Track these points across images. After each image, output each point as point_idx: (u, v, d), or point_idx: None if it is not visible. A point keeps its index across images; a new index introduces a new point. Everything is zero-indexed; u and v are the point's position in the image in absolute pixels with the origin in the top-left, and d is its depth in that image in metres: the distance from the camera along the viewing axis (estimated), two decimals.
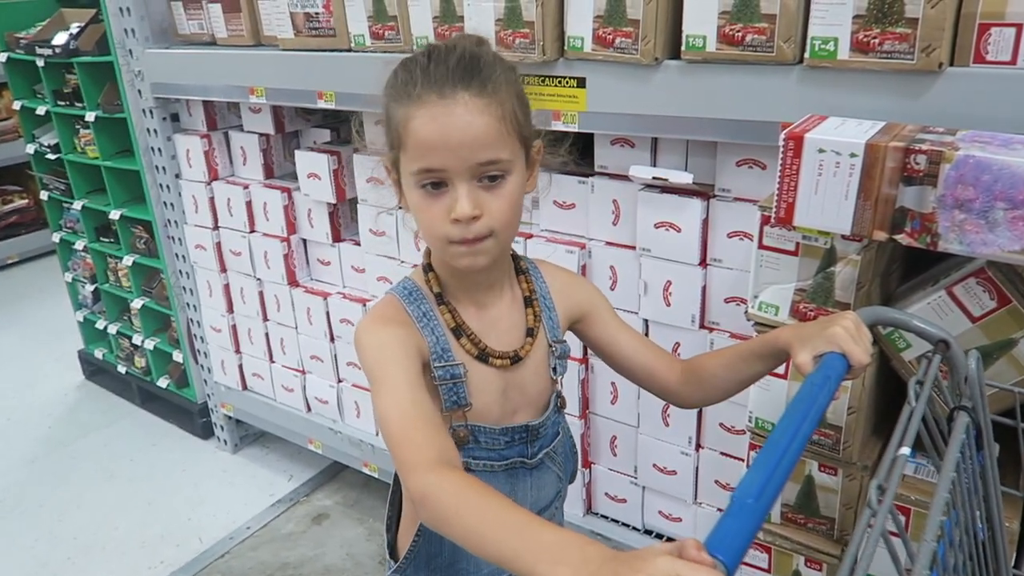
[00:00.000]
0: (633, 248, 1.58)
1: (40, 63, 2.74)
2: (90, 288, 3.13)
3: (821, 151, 1.06)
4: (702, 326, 1.56)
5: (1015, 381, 1.11)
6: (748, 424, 1.33)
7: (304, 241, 2.27)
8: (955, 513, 0.71)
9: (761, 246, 1.24)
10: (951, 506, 0.73)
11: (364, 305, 2.12)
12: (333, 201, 2.09)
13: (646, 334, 1.64)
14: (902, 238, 1.04)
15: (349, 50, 1.79)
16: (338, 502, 2.45)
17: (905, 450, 0.66)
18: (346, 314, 2.17)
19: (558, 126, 1.51)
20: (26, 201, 4.74)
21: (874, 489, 0.59)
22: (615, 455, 1.79)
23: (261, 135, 2.25)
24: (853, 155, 1.04)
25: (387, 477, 2.24)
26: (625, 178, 1.56)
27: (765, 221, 1.22)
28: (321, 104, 1.86)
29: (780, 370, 1.25)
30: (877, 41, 1.13)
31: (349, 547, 2.25)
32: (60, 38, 2.63)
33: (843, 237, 1.14)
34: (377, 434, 2.25)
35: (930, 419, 0.82)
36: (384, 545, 1.19)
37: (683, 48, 1.31)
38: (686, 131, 1.37)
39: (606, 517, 1.86)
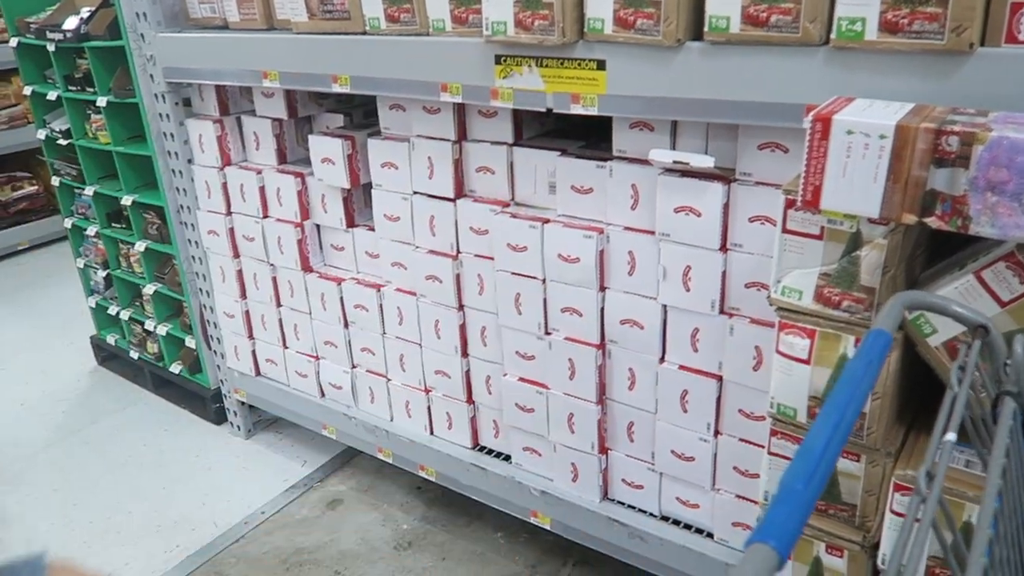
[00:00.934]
0: (652, 233, 1.57)
1: (51, 48, 2.73)
2: (102, 274, 3.13)
3: (849, 133, 1.05)
4: (722, 311, 1.55)
5: None
6: (769, 410, 1.32)
7: (318, 227, 2.26)
8: (1000, 500, 0.70)
9: (785, 230, 1.22)
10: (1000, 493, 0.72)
11: (378, 291, 2.11)
12: (347, 186, 2.07)
13: (665, 320, 1.63)
14: (932, 221, 1.03)
15: (364, 33, 1.77)
16: (352, 487, 2.45)
17: (951, 436, 0.65)
18: (360, 300, 2.16)
19: (577, 109, 1.49)
20: (35, 187, 4.74)
21: (923, 476, 0.58)
22: (632, 441, 1.78)
23: (274, 120, 2.24)
24: (883, 137, 1.02)
25: (402, 463, 2.24)
26: (644, 162, 1.54)
27: (789, 205, 1.20)
28: (336, 88, 1.85)
29: (803, 355, 1.24)
30: (906, 21, 1.11)
31: (364, 532, 2.25)
32: (71, 22, 2.62)
33: (870, 221, 1.12)
34: (392, 419, 2.25)
35: (974, 405, 0.81)
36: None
37: (706, 29, 1.29)
38: (708, 114, 1.36)
39: (623, 503, 1.86)
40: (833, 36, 1.18)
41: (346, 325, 2.24)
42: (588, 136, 1.82)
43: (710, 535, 1.74)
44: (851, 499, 1.30)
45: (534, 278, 1.75)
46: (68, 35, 2.61)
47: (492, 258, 1.82)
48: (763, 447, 1.42)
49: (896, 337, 1.20)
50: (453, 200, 1.86)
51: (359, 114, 2.26)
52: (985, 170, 0.98)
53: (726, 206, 1.47)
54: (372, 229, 2.11)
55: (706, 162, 1.44)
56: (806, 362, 1.26)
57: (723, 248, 1.50)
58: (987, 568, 0.68)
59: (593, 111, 1.49)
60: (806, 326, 1.24)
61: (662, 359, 1.66)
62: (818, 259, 1.21)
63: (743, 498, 1.64)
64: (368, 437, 2.29)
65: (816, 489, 0.59)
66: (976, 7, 1.06)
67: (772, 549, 0.53)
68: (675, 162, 1.47)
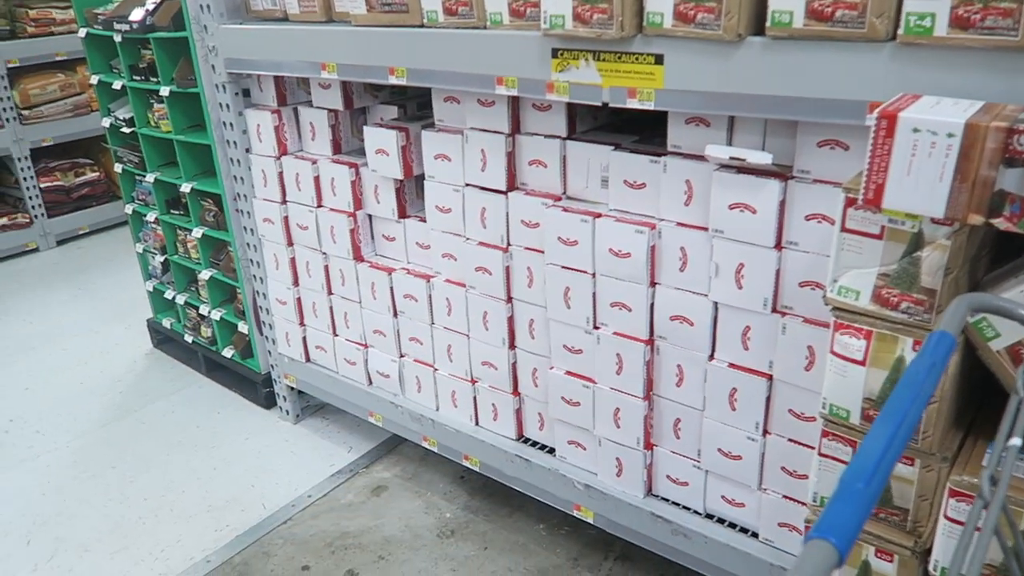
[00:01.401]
0: (705, 229, 1.56)
1: (117, 38, 2.81)
2: (160, 259, 3.22)
3: (916, 131, 1.03)
4: (774, 310, 1.53)
5: None
6: (822, 411, 1.31)
7: (370, 216, 2.29)
8: None
9: (844, 229, 1.21)
10: None
11: (428, 281, 2.14)
12: (400, 177, 2.10)
13: (715, 317, 1.62)
14: (1000, 222, 1.01)
15: (421, 26, 1.79)
16: (397, 474, 2.49)
17: (1017, 441, 0.64)
18: (410, 290, 2.19)
19: (633, 104, 1.49)
20: (97, 174, 4.89)
21: (986, 480, 0.57)
22: (678, 438, 1.77)
23: (330, 111, 2.28)
24: (951, 135, 1.00)
25: (446, 452, 2.26)
26: (699, 158, 1.54)
27: (850, 203, 1.19)
28: (393, 80, 1.87)
29: (859, 356, 1.23)
30: (978, 17, 1.09)
31: (407, 519, 2.29)
32: (137, 14, 2.70)
33: (933, 221, 1.10)
34: (437, 409, 2.28)
35: None
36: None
37: (768, 24, 1.28)
38: (768, 110, 1.34)
39: (667, 500, 1.85)
40: (901, 32, 1.16)
41: (395, 314, 2.27)
42: (642, 131, 1.81)
43: (755, 534, 1.72)
44: (903, 503, 1.28)
45: (584, 272, 1.76)
46: (134, 26, 2.68)
47: (542, 251, 1.83)
48: (813, 448, 1.41)
49: (959, 340, 1.17)
50: (505, 193, 1.88)
51: (413, 106, 2.28)
52: None
53: (782, 203, 1.46)
54: (423, 220, 2.13)
55: (764, 159, 1.42)
56: (861, 363, 1.24)
57: (778, 246, 1.49)
58: None
59: (650, 106, 1.48)
60: (862, 327, 1.22)
61: (712, 356, 1.65)
62: (877, 259, 1.19)
63: (790, 499, 1.63)
64: (414, 425, 2.32)
65: (877, 489, 0.59)
66: None
67: (832, 546, 0.53)
68: (731, 158, 1.46)
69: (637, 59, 1.45)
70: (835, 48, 1.23)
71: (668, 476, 1.83)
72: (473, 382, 2.15)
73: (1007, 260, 1.26)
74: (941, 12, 1.11)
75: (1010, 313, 0.92)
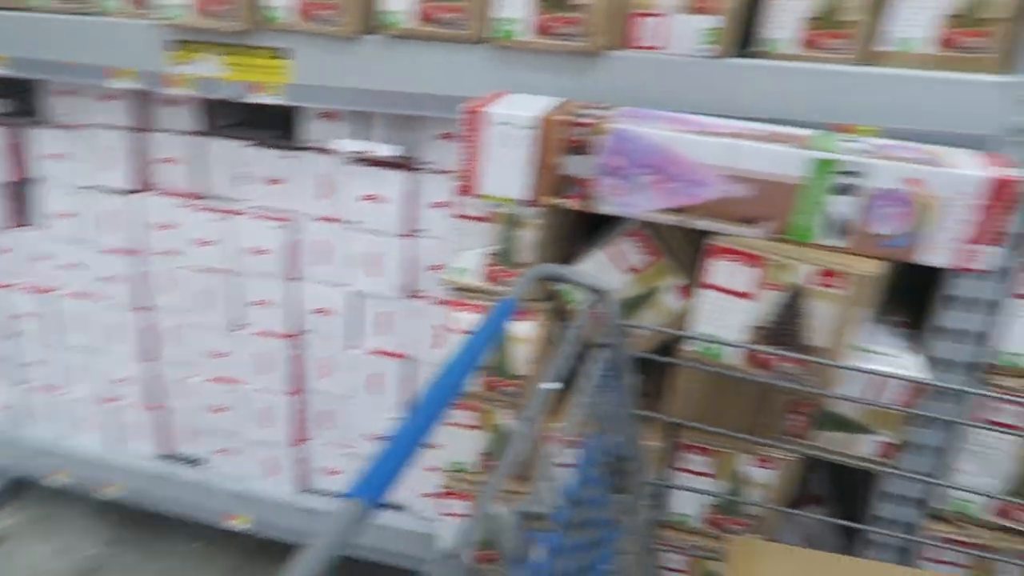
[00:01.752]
0: (341, 221, 1.62)
1: None
2: None
3: (500, 124, 1.18)
4: (411, 295, 1.63)
5: (661, 324, 1.31)
6: None
7: None
8: (597, 435, 0.84)
9: (459, 215, 1.34)
10: (594, 426, 0.86)
11: (48, 296, 1.92)
12: (10, 180, 1.87)
13: (355, 306, 1.68)
14: (567, 203, 1.19)
15: (29, 10, 1.62)
16: (22, 521, 2.18)
17: (551, 384, 0.77)
18: (29, 308, 1.95)
19: (263, 98, 1.50)
20: None
21: (522, 419, 0.68)
22: (329, 428, 1.80)
23: None
24: (527, 128, 1.17)
25: (82, 485, 2.04)
26: (333, 152, 1.59)
27: (459, 191, 1.32)
28: None
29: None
30: (554, 24, 1.28)
31: (34, 568, 2.01)
32: None
33: (521, 203, 1.26)
34: (69, 437, 2.05)
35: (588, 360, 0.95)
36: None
37: (380, 23, 1.37)
38: (389, 105, 1.43)
39: (323, 492, 1.86)
40: (492, 35, 1.31)
41: (12, 338, 2.00)
42: (288, 125, 1.82)
43: (406, 510, 1.80)
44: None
45: (223, 272, 1.72)
46: None
47: (179, 254, 1.75)
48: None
49: (549, 307, 1.35)
50: (135, 194, 1.77)
51: (30, 99, 2.04)
52: (607, 157, 1.16)
53: (409, 193, 1.56)
54: (42, 228, 1.91)
55: (388, 151, 1.52)
56: None
57: (408, 234, 1.59)
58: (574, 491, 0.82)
59: (280, 101, 1.50)
60: (475, 303, 1.36)
61: (355, 345, 1.71)
62: (485, 240, 1.34)
63: (429, 469, 1.72)
64: (40, 461, 2.06)
65: (412, 446, 0.66)
66: (607, 14, 1.24)
67: (359, 502, 0.58)
68: (361, 151, 1.54)
69: (262, 53, 1.47)
70: (442, 48, 1.35)
71: (323, 468, 1.84)
72: (109, 402, 1.97)
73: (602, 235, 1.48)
74: (526, 19, 1.28)
75: (562, 277, 1.07)
